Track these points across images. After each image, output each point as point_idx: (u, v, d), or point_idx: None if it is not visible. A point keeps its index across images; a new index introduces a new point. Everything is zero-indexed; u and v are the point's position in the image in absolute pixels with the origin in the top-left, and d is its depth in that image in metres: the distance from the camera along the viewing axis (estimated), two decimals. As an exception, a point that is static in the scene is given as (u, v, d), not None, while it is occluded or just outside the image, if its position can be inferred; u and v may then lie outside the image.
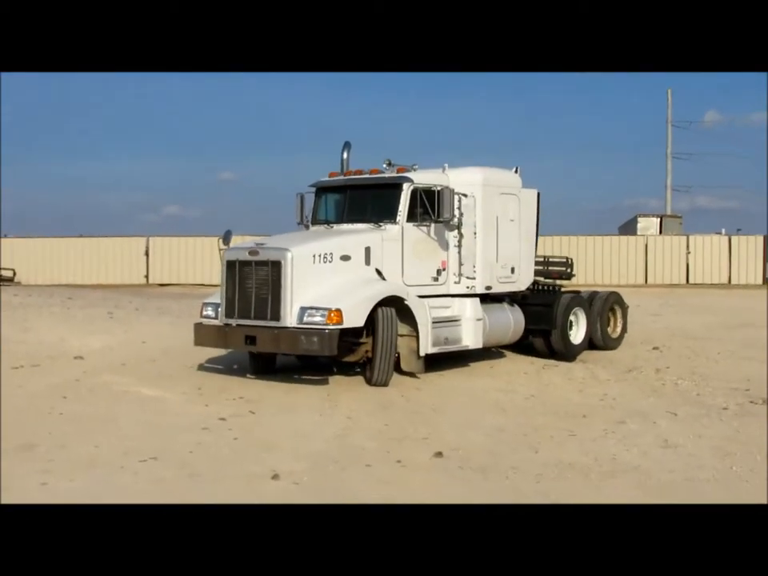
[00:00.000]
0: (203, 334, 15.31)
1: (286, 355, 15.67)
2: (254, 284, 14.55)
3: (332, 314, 13.91)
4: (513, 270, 17.43)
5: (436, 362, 16.22)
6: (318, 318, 13.97)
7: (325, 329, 13.88)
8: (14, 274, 40.85)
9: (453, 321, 16.13)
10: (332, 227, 16.32)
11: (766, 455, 10.42)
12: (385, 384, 14.65)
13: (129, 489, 8.90)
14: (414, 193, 15.65)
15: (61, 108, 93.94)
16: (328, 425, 12.14)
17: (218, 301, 15.11)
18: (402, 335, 15.14)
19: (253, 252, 14.72)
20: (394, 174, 16.03)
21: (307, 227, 16.91)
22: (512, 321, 17.56)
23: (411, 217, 15.64)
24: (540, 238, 18.96)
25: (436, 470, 9.93)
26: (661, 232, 48.76)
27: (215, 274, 41.95)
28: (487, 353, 17.99)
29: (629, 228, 51.81)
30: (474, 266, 16.54)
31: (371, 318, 14.51)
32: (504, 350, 18.56)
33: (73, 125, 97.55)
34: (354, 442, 11.26)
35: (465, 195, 16.28)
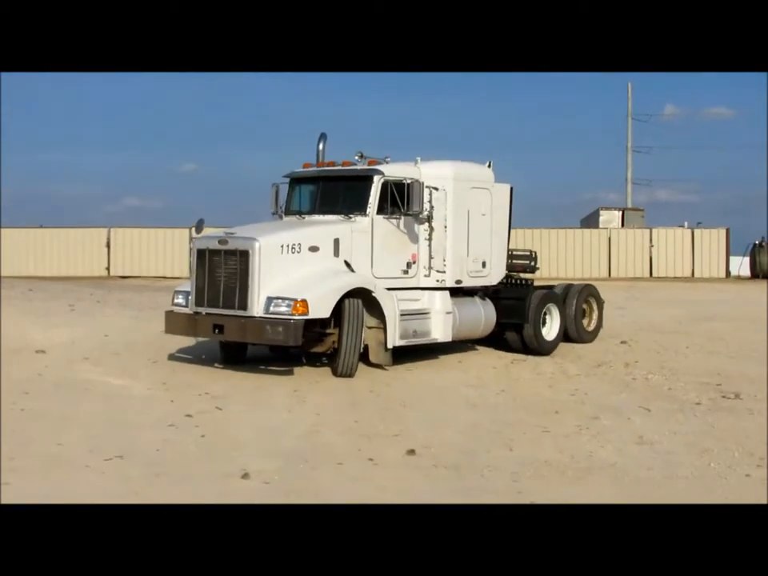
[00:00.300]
0: (173, 322, 15.39)
1: (257, 345, 15.59)
2: (222, 273, 14.60)
3: (297, 305, 13.92)
4: (484, 265, 17.37)
5: (405, 355, 16.10)
6: (283, 308, 14.00)
7: (290, 319, 13.90)
8: (-28, 265, 40.22)
9: (422, 313, 16.10)
10: (304, 218, 16.29)
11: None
12: (350, 375, 14.65)
13: (95, 489, 8.63)
14: (385, 185, 15.61)
15: (18, 99, 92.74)
16: (297, 421, 11.94)
17: (189, 289, 15.16)
18: (370, 327, 15.16)
19: (222, 241, 14.75)
20: (365, 167, 15.97)
21: (281, 218, 16.87)
22: (483, 315, 17.44)
23: (381, 209, 15.61)
24: (502, 232, 18.67)
25: (409, 468, 9.76)
26: (623, 225, 48.86)
27: (177, 265, 42.15)
28: (456, 346, 17.81)
29: (591, 221, 51.88)
30: (445, 260, 16.53)
31: (338, 309, 14.47)
32: (477, 345, 18.38)
33: (30, 115, 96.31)
34: (324, 439, 11.07)
35: (436, 189, 16.26)
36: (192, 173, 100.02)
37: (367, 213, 15.53)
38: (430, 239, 16.32)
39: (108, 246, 43.33)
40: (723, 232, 43.33)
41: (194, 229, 16.05)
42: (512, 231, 18.69)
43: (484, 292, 17.70)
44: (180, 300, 15.34)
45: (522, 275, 19.37)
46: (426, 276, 16.34)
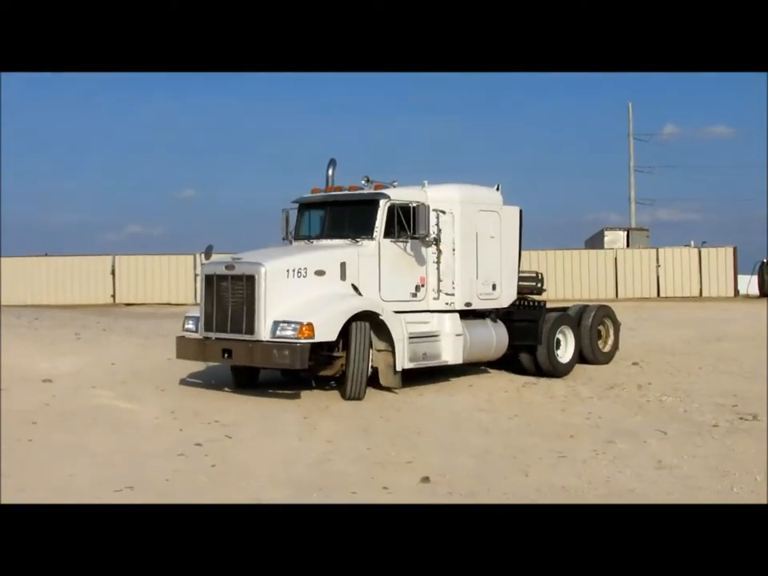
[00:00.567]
0: (184, 347, 15.55)
1: (269, 369, 15.62)
2: (230, 298, 14.76)
3: (303, 328, 13.99)
4: (494, 287, 17.36)
5: (416, 377, 16.10)
6: (289, 332, 14.09)
7: (296, 342, 13.99)
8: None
9: (432, 336, 16.11)
10: (312, 242, 16.36)
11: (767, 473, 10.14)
12: (359, 398, 14.67)
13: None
14: (391, 209, 15.74)
15: (19, 126, 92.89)
16: (308, 449, 11.75)
17: (199, 315, 15.31)
18: (379, 350, 15.23)
19: (229, 267, 14.93)
20: (372, 191, 16.11)
21: (291, 243, 16.99)
22: (494, 337, 17.39)
23: (388, 233, 15.72)
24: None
25: (424, 496, 9.54)
26: (628, 245, 48.67)
27: (182, 292, 41.99)
28: (467, 369, 17.78)
29: (595, 242, 51.67)
30: (453, 282, 16.58)
31: (347, 332, 14.57)
32: (489, 367, 18.29)
33: (29, 143, 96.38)
34: (336, 467, 10.87)
35: (443, 212, 16.40)
36: (191, 199, 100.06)
37: (374, 236, 15.63)
38: (438, 262, 16.38)
39: (113, 273, 43.20)
40: (731, 251, 43.10)
41: (202, 255, 16.17)
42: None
43: (496, 314, 17.63)
44: (190, 325, 15.49)
45: (535, 297, 19.31)
46: (435, 299, 16.38)
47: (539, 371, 17.90)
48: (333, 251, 15.57)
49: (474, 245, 16.94)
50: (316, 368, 14.90)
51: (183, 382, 16.47)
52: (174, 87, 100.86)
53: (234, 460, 11.15)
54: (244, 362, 14.94)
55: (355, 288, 15.24)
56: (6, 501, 8.27)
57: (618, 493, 9.61)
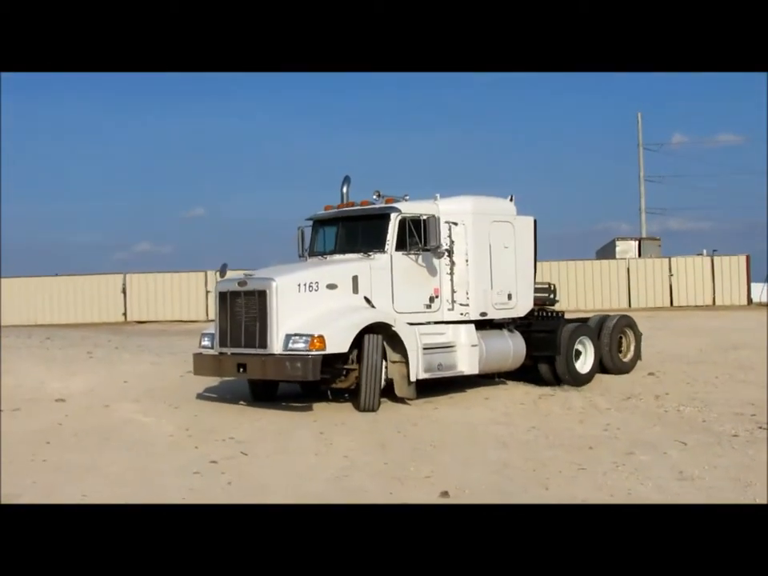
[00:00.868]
0: (200, 364, 15.86)
1: (288, 382, 15.87)
2: (243, 313, 15.01)
3: (315, 341, 14.24)
4: (510, 297, 17.46)
5: (432, 389, 16.27)
6: (301, 345, 14.33)
7: (308, 355, 14.23)
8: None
9: (447, 347, 16.23)
10: (326, 258, 16.61)
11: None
12: (373, 409, 14.84)
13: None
14: (402, 222, 15.96)
15: (26, 146, 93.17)
16: (325, 465, 11.63)
17: (214, 331, 15.65)
18: (393, 362, 15.39)
19: (242, 283, 15.21)
20: (383, 205, 16.35)
21: (306, 259, 17.24)
22: (512, 347, 17.44)
23: (401, 246, 15.93)
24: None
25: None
26: (640, 255, 48.52)
27: (193, 309, 41.99)
28: (483, 380, 17.76)
29: (607, 252, 51.55)
30: (467, 293, 16.68)
31: (360, 344, 14.75)
32: (508, 378, 18.27)
33: (36, 164, 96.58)
34: (355, 482, 10.74)
35: (455, 224, 16.61)
36: (201, 217, 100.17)
37: (386, 250, 15.86)
38: (452, 273, 16.56)
39: (124, 291, 43.18)
40: (743, 259, 42.91)
41: (218, 273, 16.56)
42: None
43: (514, 325, 17.73)
44: (206, 342, 15.80)
45: (553, 308, 19.46)
46: (449, 310, 16.54)
47: (559, 381, 17.91)
48: (344, 265, 15.81)
49: (488, 255, 17.06)
50: (331, 380, 15.07)
51: (200, 396, 16.60)
52: (181, 106, 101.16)
53: (251, 477, 11.03)
54: (258, 375, 15.19)
55: (368, 300, 15.42)
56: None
57: (640, 505, 9.46)
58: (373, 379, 14.84)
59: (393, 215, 15.94)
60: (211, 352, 15.63)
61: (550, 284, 20.73)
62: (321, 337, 14.24)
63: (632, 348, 19.92)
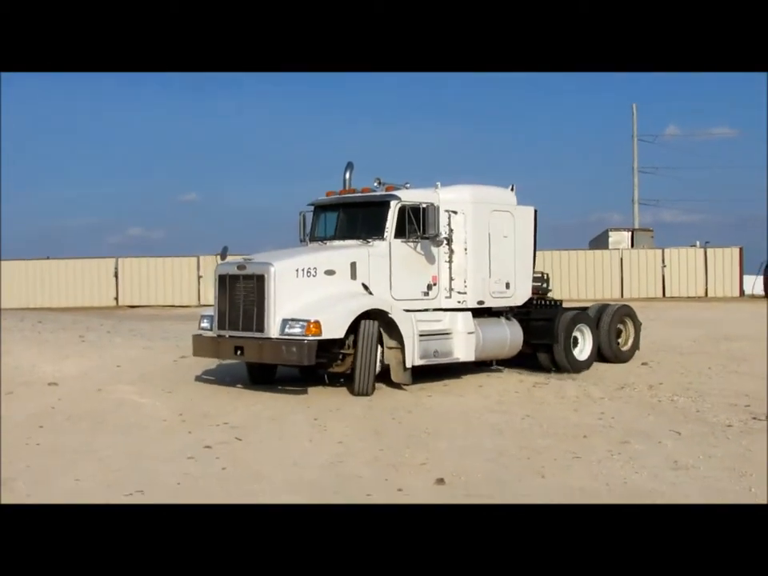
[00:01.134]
0: (199, 345, 16.03)
1: (287, 366, 15.99)
2: (241, 297, 15.18)
3: (311, 326, 14.38)
4: (508, 286, 17.60)
5: (428, 375, 16.40)
6: (297, 330, 14.47)
7: (303, 340, 14.35)
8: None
9: (444, 334, 16.37)
10: (326, 243, 16.74)
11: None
12: (367, 393, 14.98)
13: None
14: (402, 210, 16.05)
15: (20, 130, 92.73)
16: (319, 452, 11.60)
17: (213, 313, 15.82)
18: (390, 348, 15.52)
19: (241, 267, 15.35)
20: (383, 192, 16.41)
21: (307, 244, 17.39)
22: (509, 335, 17.59)
23: (400, 233, 16.03)
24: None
25: (441, 498, 9.37)
26: (632, 246, 48.55)
27: (186, 294, 41.89)
28: (478, 368, 17.91)
29: (600, 242, 51.58)
30: (465, 281, 16.80)
31: (356, 330, 14.93)
32: (507, 365, 18.38)
33: (31, 146, 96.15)
34: (350, 469, 10.71)
35: (455, 212, 16.72)
36: (194, 202, 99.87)
37: (385, 237, 15.96)
38: (450, 261, 16.69)
39: (116, 275, 43.09)
40: (737, 251, 42.94)
41: (218, 256, 16.72)
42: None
43: (513, 313, 17.91)
44: (205, 324, 15.94)
45: (552, 297, 19.82)
46: (447, 297, 16.68)
47: (557, 368, 18.13)
48: (343, 251, 15.94)
49: (487, 244, 17.17)
50: (327, 365, 15.20)
51: (197, 379, 16.69)
52: (176, 89, 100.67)
53: (245, 463, 11.00)
54: (255, 358, 15.33)
55: (366, 287, 15.52)
56: (8, 502, 8.14)
57: (637, 494, 9.43)
58: (367, 364, 14.99)
59: (392, 203, 16.04)
60: (210, 334, 15.78)
61: (543, 273, 20.73)
62: (317, 322, 14.37)
63: (631, 337, 20.12)
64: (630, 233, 51.22)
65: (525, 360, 18.42)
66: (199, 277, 42.37)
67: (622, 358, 19.55)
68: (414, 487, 9.78)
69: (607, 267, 43.20)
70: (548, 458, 11.15)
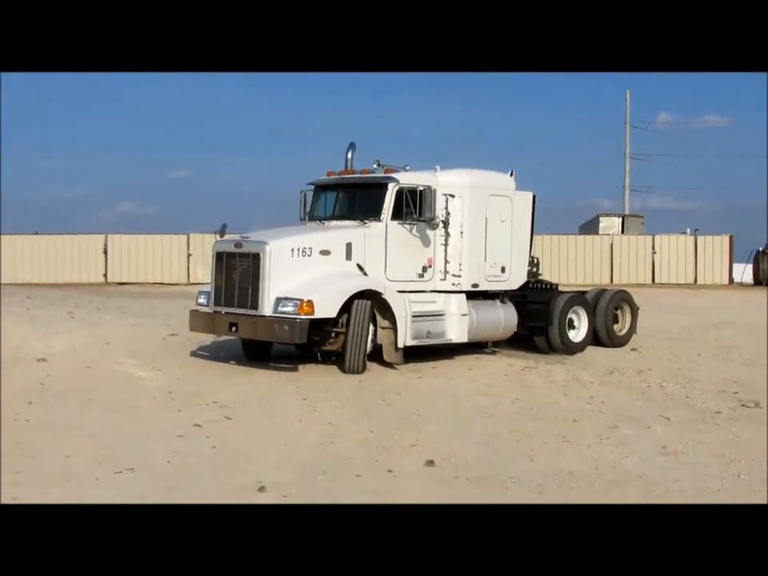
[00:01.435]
0: (196, 320, 16.26)
1: (281, 344, 16.11)
2: (237, 274, 15.39)
3: (303, 305, 14.58)
4: (503, 269, 17.77)
5: (421, 355, 16.58)
6: (290, 308, 14.68)
7: (296, 318, 14.55)
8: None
9: (437, 315, 16.57)
10: (324, 223, 16.87)
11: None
12: (358, 372, 15.18)
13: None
14: (399, 192, 16.15)
15: (7, 103, 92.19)
16: (309, 432, 11.62)
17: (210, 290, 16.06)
18: (383, 327, 15.71)
19: (237, 245, 15.57)
20: (381, 175, 16.53)
21: (306, 223, 17.52)
22: (503, 317, 17.79)
23: (396, 215, 16.16)
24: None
25: (431, 480, 9.41)
26: (623, 232, 48.54)
27: (175, 271, 41.71)
28: (469, 350, 18.02)
29: (590, 227, 51.54)
30: (461, 264, 16.96)
31: (350, 309, 15.13)
32: (501, 347, 18.54)
33: (19, 120, 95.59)
34: (339, 450, 10.72)
35: (452, 196, 16.87)
36: (184, 179, 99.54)
37: (381, 219, 16.08)
38: (446, 244, 16.85)
39: (105, 252, 42.88)
40: (726, 239, 42.94)
41: (217, 233, 16.93)
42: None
43: (509, 296, 18.09)
44: (202, 300, 16.17)
45: (548, 280, 20.01)
46: (442, 279, 16.85)
47: (552, 350, 18.36)
48: (339, 232, 16.09)
49: (483, 228, 17.32)
50: (320, 343, 15.38)
51: (191, 354, 16.82)
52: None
53: (235, 442, 10.99)
54: (248, 335, 15.55)
55: (360, 268, 15.68)
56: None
57: (625, 479, 9.49)
58: (358, 343, 15.16)
59: (390, 185, 16.14)
60: (206, 310, 15.99)
61: (533, 257, 20.75)
62: (309, 302, 14.57)
63: (627, 322, 20.21)
64: (620, 219, 51.16)
65: (521, 342, 18.64)
66: (189, 255, 42.21)
67: (618, 342, 19.67)
68: (404, 469, 9.80)
69: (597, 253, 43.18)
70: (538, 442, 11.18)
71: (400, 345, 15.73)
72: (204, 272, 38.79)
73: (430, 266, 16.65)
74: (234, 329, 15.36)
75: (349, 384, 14.55)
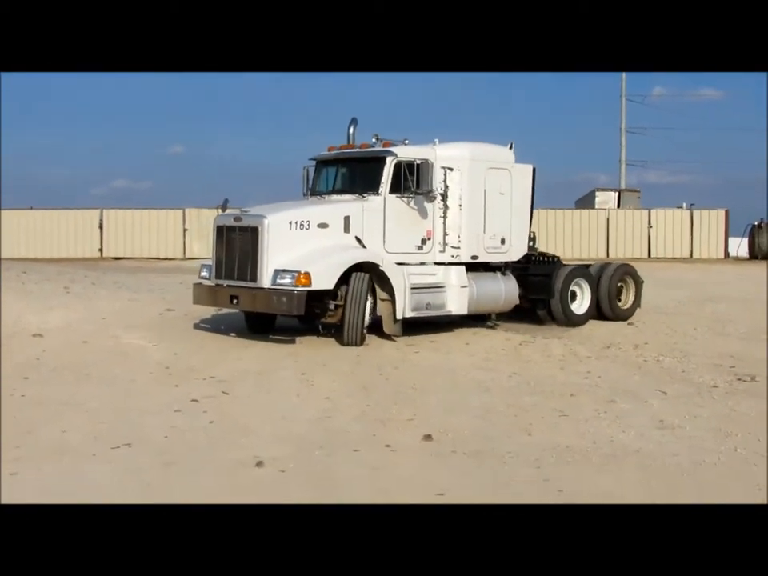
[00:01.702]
0: (199, 293, 16.63)
1: (284, 316, 16.32)
2: (237, 248, 15.72)
3: (301, 277, 14.86)
4: (503, 242, 17.97)
5: (421, 328, 16.90)
6: (287, 280, 14.97)
7: (294, 290, 14.84)
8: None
9: (437, 287, 16.82)
10: (324, 198, 17.11)
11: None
12: (356, 344, 15.40)
13: (106, 480, 8.27)
14: (398, 166, 16.38)
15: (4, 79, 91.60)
16: (307, 406, 11.60)
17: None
18: (383, 300, 15.92)
19: (237, 219, 15.95)
20: (380, 149, 16.78)
21: (308, 198, 17.77)
22: (504, 289, 18.01)
23: (395, 188, 16.39)
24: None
25: (429, 455, 9.39)
26: (619, 206, 48.56)
27: (171, 246, 41.69)
28: (471, 321, 18.33)
29: (587, 202, 51.58)
30: (459, 236, 17.16)
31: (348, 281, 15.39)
32: (504, 319, 18.78)
33: (12, 96, 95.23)
34: (337, 424, 10.71)
35: (451, 169, 17.10)
36: (180, 154, 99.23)
37: (380, 192, 16.30)
38: (445, 216, 17.08)
39: (101, 227, 42.85)
40: (722, 213, 43.03)
41: (219, 208, 17.36)
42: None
43: (511, 268, 18.32)
44: (204, 273, 16.58)
45: (550, 253, 20.42)
46: (441, 252, 17.10)
47: (556, 322, 18.64)
48: (337, 205, 16.38)
49: (482, 201, 17.52)
50: (320, 315, 15.65)
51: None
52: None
53: (232, 417, 10.98)
54: (248, 307, 15.94)
55: (359, 240, 15.88)
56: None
57: (622, 453, 9.48)
58: (356, 315, 15.37)
59: (388, 159, 16.34)
60: (209, 283, 16.35)
61: (530, 231, 20.79)
62: (307, 273, 14.81)
63: (631, 296, 20.34)
64: (616, 193, 51.24)
65: (524, 315, 18.88)
66: (185, 230, 42.21)
67: (621, 316, 19.81)
68: (402, 443, 9.79)
69: (593, 227, 43.28)
70: (535, 416, 11.18)
71: (399, 317, 15.95)
72: (200, 247, 38.96)
73: (428, 239, 16.88)
74: (235, 301, 15.71)
75: (347, 358, 14.57)
